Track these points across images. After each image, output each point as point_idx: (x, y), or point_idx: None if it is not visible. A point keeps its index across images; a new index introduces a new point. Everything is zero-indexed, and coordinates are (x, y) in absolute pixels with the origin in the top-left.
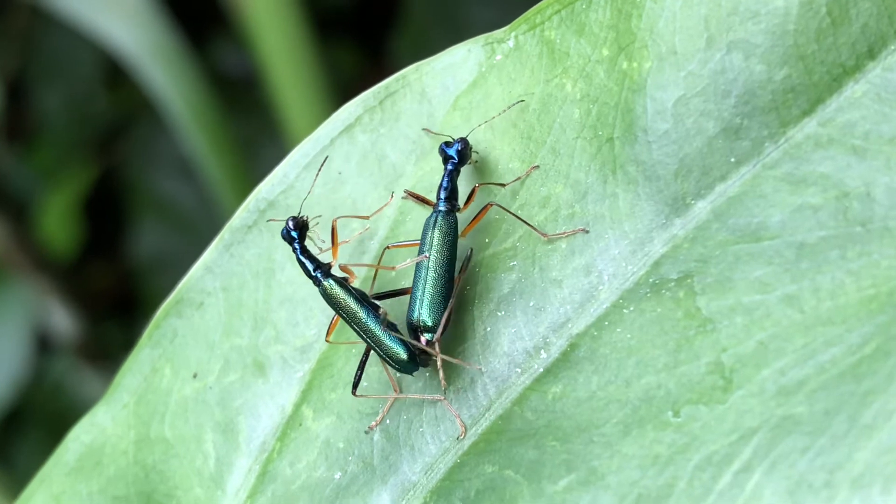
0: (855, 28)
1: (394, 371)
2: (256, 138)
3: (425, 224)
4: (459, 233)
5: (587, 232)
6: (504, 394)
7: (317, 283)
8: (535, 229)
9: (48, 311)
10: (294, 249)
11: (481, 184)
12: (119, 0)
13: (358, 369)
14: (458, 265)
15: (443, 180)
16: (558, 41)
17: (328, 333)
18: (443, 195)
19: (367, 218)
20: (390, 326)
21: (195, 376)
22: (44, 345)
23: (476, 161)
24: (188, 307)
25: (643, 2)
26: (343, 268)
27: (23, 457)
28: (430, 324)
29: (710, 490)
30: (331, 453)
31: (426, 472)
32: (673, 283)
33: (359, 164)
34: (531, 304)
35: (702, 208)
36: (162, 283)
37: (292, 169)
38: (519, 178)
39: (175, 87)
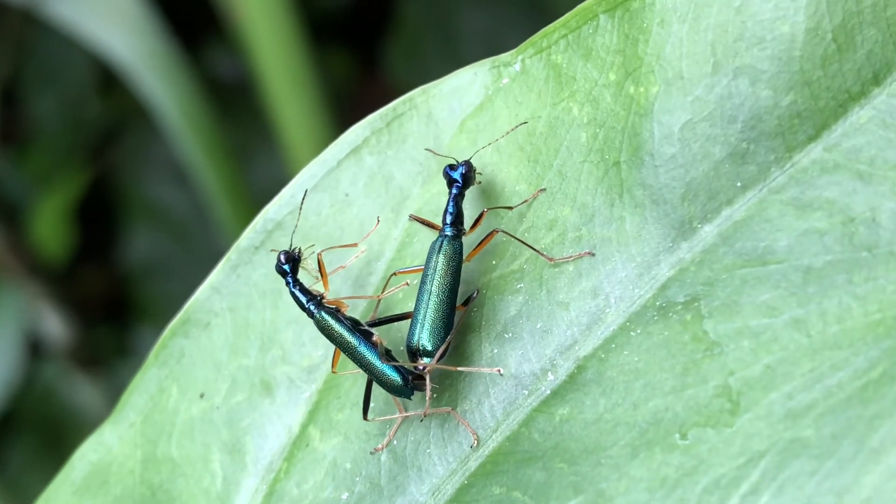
0: (860, 54)
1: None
2: (250, 144)
3: (430, 248)
4: (464, 257)
5: (593, 255)
6: (511, 415)
7: (310, 314)
8: (541, 254)
9: (40, 316)
10: (287, 283)
11: (489, 209)
12: (112, 7)
13: (365, 395)
14: (463, 294)
15: (448, 205)
16: (565, 65)
17: (333, 364)
18: (448, 220)
19: (355, 245)
20: (384, 353)
21: (202, 396)
22: (35, 350)
23: (480, 182)
24: (195, 327)
25: (650, 27)
26: (331, 302)
27: (14, 461)
28: (429, 348)
29: None
30: (338, 474)
31: (433, 494)
32: (680, 307)
33: (366, 186)
34: (538, 326)
35: (708, 232)
36: (154, 289)
37: (299, 190)
38: (526, 200)
39: (168, 93)
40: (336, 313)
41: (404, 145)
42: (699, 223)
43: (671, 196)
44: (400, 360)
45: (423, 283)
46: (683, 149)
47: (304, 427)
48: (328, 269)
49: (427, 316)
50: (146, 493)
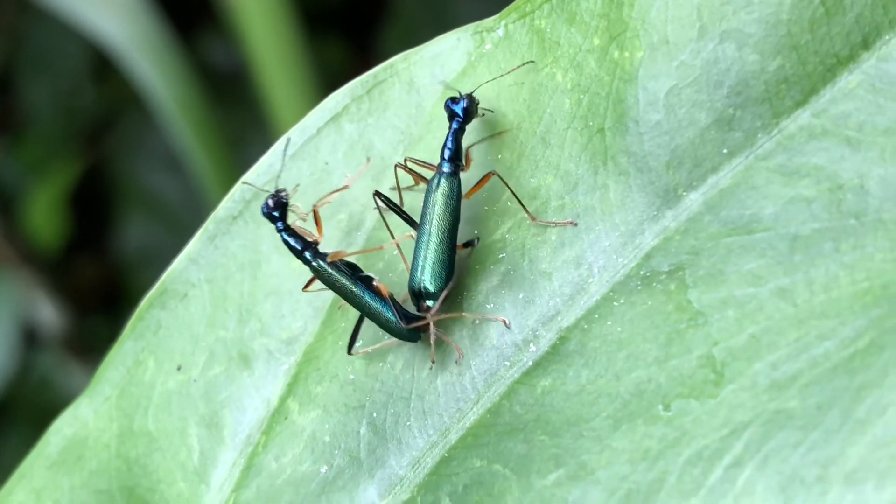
0: (849, 18)
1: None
2: (244, 132)
3: (428, 187)
4: (464, 194)
5: (576, 225)
6: (493, 387)
7: (306, 262)
8: (526, 211)
9: (35, 305)
10: (277, 230)
11: (494, 173)
12: None
13: (354, 330)
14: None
15: (447, 139)
16: (548, 30)
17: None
18: (447, 155)
19: (346, 188)
20: (387, 297)
21: (179, 369)
22: (30, 338)
23: (483, 115)
24: (172, 299)
25: None
26: (332, 256)
27: (8, 450)
28: (431, 290)
29: (700, 485)
30: (317, 447)
31: (413, 467)
32: (664, 276)
33: (346, 155)
34: (520, 296)
35: (693, 200)
36: (148, 277)
37: (278, 158)
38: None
39: (162, 80)
40: (335, 262)
41: (385, 113)
42: (684, 191)
43: (656, 163)
44: (402, 305)
45: (422, 223)
46: (668, 115)
47: (283, 400)
48: (308, 225)
49: (427, 257)
50: (122, 467)
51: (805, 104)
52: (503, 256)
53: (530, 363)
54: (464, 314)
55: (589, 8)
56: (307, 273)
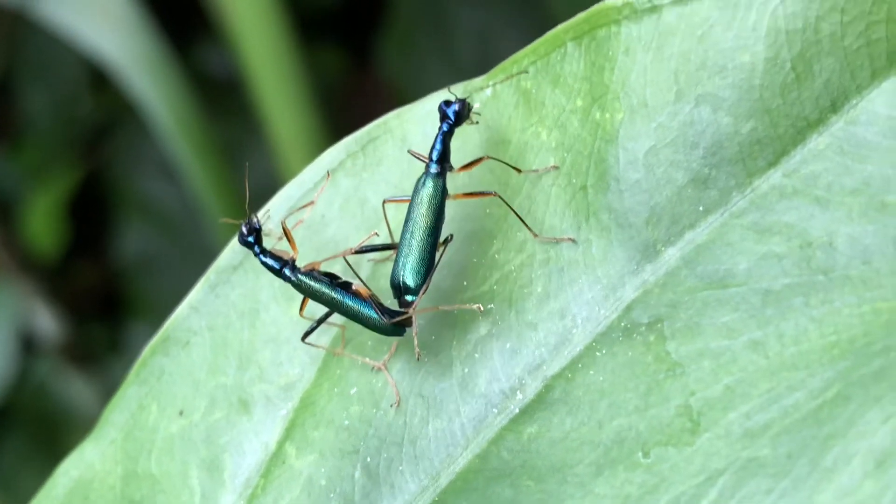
0: (818, 83)
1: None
2: (240, 140)
3: (415, 185)
4: (451, 195)
5: (575, 242)
6: (481, 433)
7: (286, 279)
8: (528, 227)
9: (32, 312)
10: (255, 254)
11: (490, 157)
12: (103, 8)
13: (316, 322)
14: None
15: (435, 140)
16: (534, 91)
17: (301, 308)
18: (434, 156)
19: (312, 203)
20: (368, 298)
21: (181, 413)
22: (28, 345)
23: (477, 122)
24: (174, 346)
25: (616, 55)
26: (306, 266)
27: (7, 457)
28: (411, 285)
29: None
30: (313, 490)
31: None
32: (644, 328)
33: (341, 208)
34: (507, 346)
35: (672, 255)
36: (146, 285)
37: (276, 211)
38: (537, 170)
39: (158, 93)
40: (312, 273)
41: (379, 168)
42: (663, 246)
43: (636, 220)
44: (384, 303)
45: (406, 220)
46: (647, 174)
47: (281, 444)
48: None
49: (409, 254)
50: None
51: (777, 164)
52: (491, 307)
53: (517, 410)
54: (441, 307)
55: (572, 71)
56: (304, 323)
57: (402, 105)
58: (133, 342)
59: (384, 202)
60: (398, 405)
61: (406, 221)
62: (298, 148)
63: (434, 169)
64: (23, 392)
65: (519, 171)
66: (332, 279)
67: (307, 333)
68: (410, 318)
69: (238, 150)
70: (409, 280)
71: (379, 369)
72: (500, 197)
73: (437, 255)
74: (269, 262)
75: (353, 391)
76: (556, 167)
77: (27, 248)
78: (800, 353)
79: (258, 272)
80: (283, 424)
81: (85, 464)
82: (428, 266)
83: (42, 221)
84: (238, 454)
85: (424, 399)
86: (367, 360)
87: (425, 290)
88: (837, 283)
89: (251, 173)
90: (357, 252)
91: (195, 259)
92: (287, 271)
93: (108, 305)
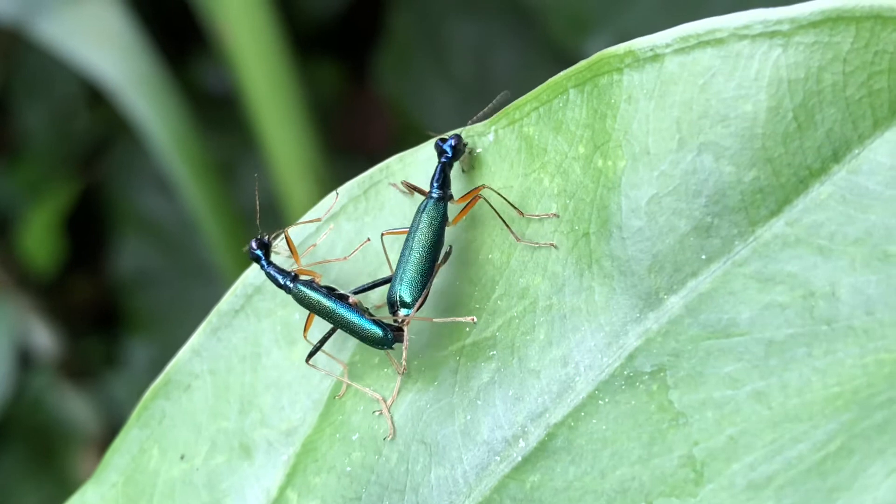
0: (820, 132)
1: (375, 349)
2: (237, 156)
3: (417, 208)
4: (450, 220)
5: (556, 248)
6: (484, 481)
7: (287, 290)
8: (511, 231)
9: (29, 327)
10: (262, 266)
11: (485, 186)
12: (100, 28)
13: (319, 342)
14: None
15: (435, 172)
16: (536, 137)
17: (305, 330)
18: (435, 185)
19: (319, 220)
20: (363, 310)
21: (183, 458)
22: (25, 360)
23: (472, 153)
24: (176, 389)
25: (618, 103)
26: (303, 271)
27: (3, 471)
28: (407, 300)
29: None
30: None
31: None
32: (647, 376)
33: (344, 251)
34: (510, 393)
35: (674, 303)
36: (143, 300)
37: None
38: (538, 215)
39: (154, 112)
40: (311, 284)
41: (381, 212)
42: (665, 294)
43: (638, 267)
44: (378, 316)
45: (406, 241)
46: (650, 222)
47: (282, 490)
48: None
49: (407, 270)
50: None
51: (779, 213)
52: (493, 354)
53: (520, 458)
54: (434, 319)
55: (574, 118)
56: (305, 368)
57: (398, 119)
58: (129, 357)
59: (383, 234)
60: (393, 437)
61: (405, 242)
62: (295, 164)
63: (436, 194)
64: (19, 407)
65: (522, 213)
66: (329, 291)
67: (310, 355)
68: (402, 330)
69: (234, 166)
70: (405, 294)
71: (378, 401)
72: (485, 197)
73: (435, 273)
74: (273, 273)
75: (354, 437)
76: (556, 215)
77: (24, 263)
78: (803, 404)
79: (260, 316)
80: (285, 470)
81: None
82: (424, 282)
83: (39, 237)
84: (239, 499)
85: (427, 446)
86: (371, 391)
87: (420, 304)
88: (840, 333)
89: (246, 190)
90: (357, 293)
91: (191, 274)
92: (288, 282)
93: (105, 320)
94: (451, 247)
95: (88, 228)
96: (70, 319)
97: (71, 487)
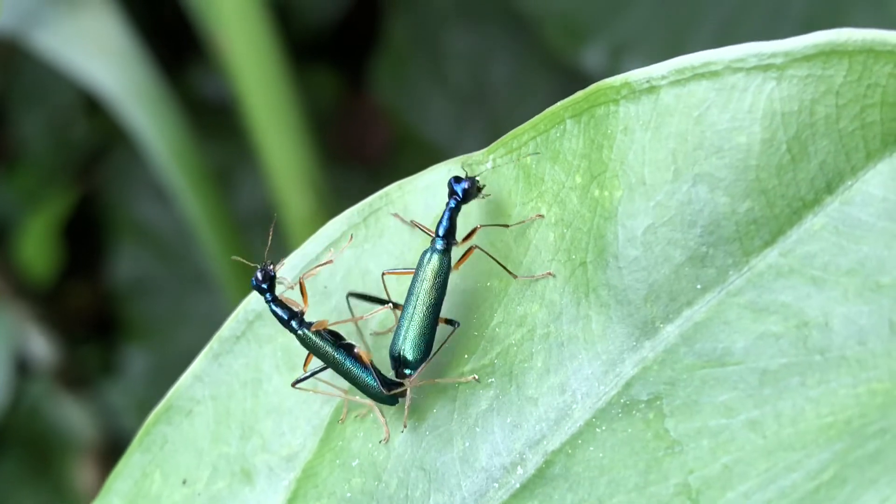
0: (814, 164)
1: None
2: (234, 164)
3: (420, 259)
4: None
5: (553, 276)
6: None
7: (292, 331)
8: (507, 270)
9: (26, 334)
10: (266, 300)
11: (483, 225)
12: (95, 37)
13: (310, 374)
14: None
15: (442, 216)
16: (534, 166)
17: (305, 364)
18: (440, 231)
19: (331, 262)
20: (367, 364)
21: (184, 483)
22: (21, 368)
23: (484, 198)
24: (178, 415)
25: (614, 133)
26: (315, 325)
27: (1, 479)
28: (410, 360)
29: None
30: None
31: None
32: (643, 405)
33: (343, 279)
34: (508, 420)
35: (670, 332)
36: (140, 308)
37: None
38: (522, 221)
39: (151, 120)
40: (320, 332)
41: (381, 240)
42: (661, 323)
43: (635, 297)
44: (382, 371)
45: (409, 292)
46: (646, 252)
47: None
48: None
49: (410, 328)
50: None
51: (773, 244)
52: (492, 381)
53: (518, 485)
54: (437, 380)
55: (571, 148)
56: (308, 394)
57: (395, 127)
58: (126, 365)
59: (384, 274)
60: (387, 441)
61: (409, 294)
62: (291, 172)
63: (440, 245)
64: (17, 414)
65: (507, 226)
66: (336, 339)
67: (299, 381)
68: (405, 389)
69: (231, 174)
70: (409, 354)
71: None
72: (480, 249)
73: (439, 333)
74: (279, 311)
75: (354, 463)
76: (541, 216)
77: (21, 271)
78: (797, 433)
79: (261, 342)
80: (286, 495)
81: None
82: (428, 341)
83: (36, 245)
84: None
85: (426, 472)
86: (372, 404)
87: (424, 366)
88: (833, 363)
89: (243, 198)
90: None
91: (189, 282)
92: (294, 324)
93: (102, 328)
94: (458, 324)
95: (86, 236)
96: (67, 327)
97: (68, 495)
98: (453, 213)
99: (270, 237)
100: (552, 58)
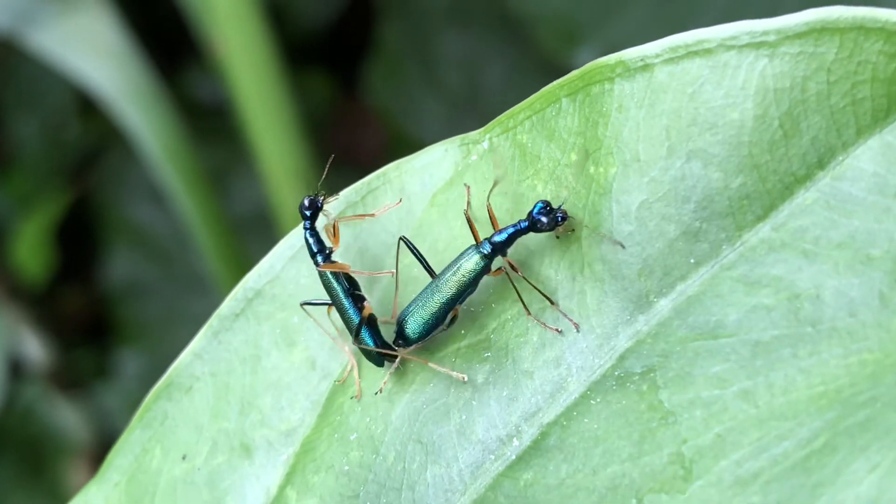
0: (805, 140)
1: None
2: (229, 166)
3: (463, 252)
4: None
5: (561, 333)
6: (479, 479)
7: (315, 264)
8: (525, 306)
9: (20, 337)
10: (304, 226)
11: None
12: (93, 39)
13: (321, 302)
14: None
15: (507, 228)
16: (530, 145)
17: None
18: (494, 238)
19: (372, 215)
20: (370, 321)
21: (184, 458)
22: (15, 370)
23: (558, 237)
24: (177, 391)
25: (609, 111)
26: (337, 265)
27: None
28: (407, 333)
29: None
30: None
31: None
32: (637, 377)
33: (342, 257)
34: (504, 393)
35: (664, 306)
36: (134, 310)
37: (278, 260)
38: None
39: (146, 121)
40: (337, 274)
41: (378, 218)
42: (655, 297)
43: (629, 271)
44: (382, 333)
45: (440, 275)
46: (640, 227)
47: (282, 489)
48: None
49: (424, 306)
50: None
51: (765, 218)
52: (488, 356)
53: (514, 457)
54: (429, 363)
55: (567, 126)
56: (305, 367)
57: (389, 130)
58: (120, 367)
59: (401, 239)
60: (359, 398)
61: (439, 275)
62: (286, 173)
63: (486, 249)
64: (10, 417)
65: (552, 302)
66: (351, 286)
67: (308, 303)
68: (395, 357)
69: (226, 176)
70: (409, 329)
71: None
72: (524, 277)
73: (448, 318)
74: (311, 242)
75: (352, 437)
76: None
77: (15, 273)
78: (788, 403)
79: (260, 319)
80: (284, 469)
81: None
82: (432, 326)
83: (30, 247)
84: (240, 498)
85: (423, 445)
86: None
87: (420, 345)
88: (825, 334)
89: (238, 199)
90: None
91: (183, 285)
92: (320, 258)
93: (96, 331)
94: (456, 317)
95: (80, 239)
96: (61, 330)
97: (62, 497)
98: (517, 232)
99: (327, 169)
100: (545, 60)
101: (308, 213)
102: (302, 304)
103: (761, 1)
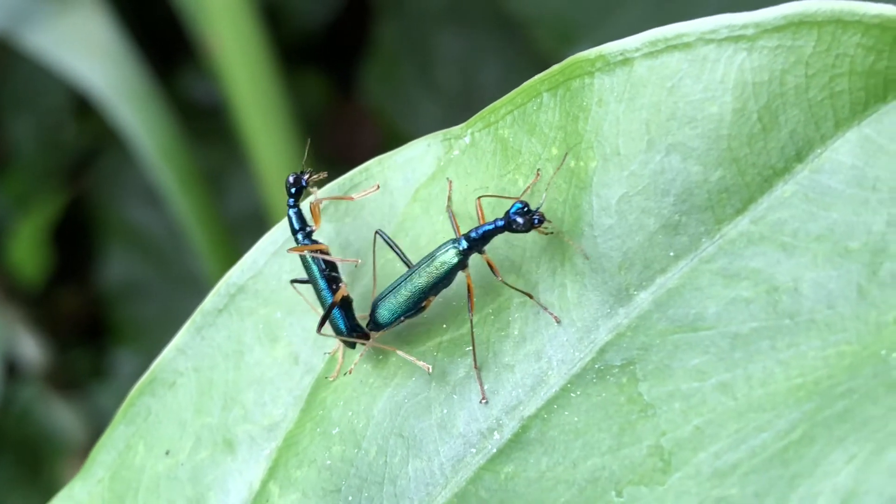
0: (784, 133)
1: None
2: (224, 166)
3: (440, 246)
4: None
5: (559, 323)
6: (460, 472)
7: (296, 241)
8: (471, 319)
9: (17, 337)
10: (288, 203)
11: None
12: (88, 39)
13: (305, 280)
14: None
15: (484, 226)
16: (511, 139)
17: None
18: (472, 234)
19: (351, 198)
20: (344, 303)
21: (168, 453)
22: (12, 371)
23: (550, 233)
24: (161, 386)
25: (589, 105)
26: (317, 246)
27: None
28: (379, 321)
29: None
30: None
31: None
32: (617, 370)
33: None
34: (485, 387)
35: (643, 299)
36: (130, 311)
37: (261, 256)
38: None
39: (141, 124)
40: (316, 252)
41: (361, 213)
42: (635, 290)
43: (609, 265)
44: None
45: (415, 266)
46: (620, 220)
47: (265, 483)
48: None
49: (397, 294)
50: None
51: (744, 211)
52: (469, 350)
53: (494, 450)
54: (398, 351)
55: (548, 120)
56: (288, 363)
57: (384, 130)
58: (117, 368)
59: (377, 233)
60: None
61: (414, 266)
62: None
63: (463, 245)
64: (7, 418)
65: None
66: (329, 269)
67: (297, 280)
68: (367, 340)
69: (221, 177)
70: (380, 316)
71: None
72: (505, 283)
73: (418, 308)
74: (294, 219)
75: (335, 431)
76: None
77: (11, 274)
78: (767, 394)
79: (243, 315)
80: (267, 464)
81: (73, 502)
82: (401, 313)
83: (26, 248)
84: (223, 493)
85: (405, 439)
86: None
87: (388, 330)
88: (803, 327)
89: (232, 199)
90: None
91: (179, 285)
92: (300, 236)
93: (92, 331)
94: (427, 307)
95: (76, 239)
96: (57, 330)
97: None
98: (493, 231)
99: (308, 146)
100: (542, 60)
101: (293, 189)
102: (291, 282)
103: (753, 4)
